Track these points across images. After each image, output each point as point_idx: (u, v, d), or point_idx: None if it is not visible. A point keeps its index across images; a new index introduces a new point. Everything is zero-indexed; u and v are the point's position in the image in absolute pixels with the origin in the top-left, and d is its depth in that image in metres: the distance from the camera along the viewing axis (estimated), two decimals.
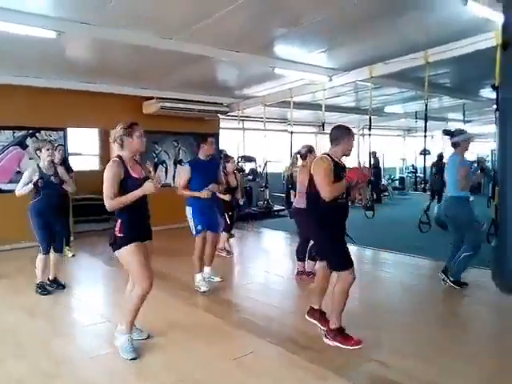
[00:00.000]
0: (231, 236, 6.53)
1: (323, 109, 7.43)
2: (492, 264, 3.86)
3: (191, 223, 4.57)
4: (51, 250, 4.53)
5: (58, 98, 6.97)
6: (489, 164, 11.67)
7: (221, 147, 8.87)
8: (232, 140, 10.87)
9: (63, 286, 4.68)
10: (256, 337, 3.37)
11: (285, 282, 5.08)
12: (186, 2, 3.91)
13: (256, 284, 4.97)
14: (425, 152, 6.24)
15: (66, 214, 5.59)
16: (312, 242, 4.48)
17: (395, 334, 3.41)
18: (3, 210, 6.66)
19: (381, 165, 13.30)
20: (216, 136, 9.23)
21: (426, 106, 5.58)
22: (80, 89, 6.97)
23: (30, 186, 4.37)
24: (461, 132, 4.32)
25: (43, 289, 4.49)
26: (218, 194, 4.70)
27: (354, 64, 6.13)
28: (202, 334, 3.44)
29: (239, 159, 8.62)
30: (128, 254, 2.95)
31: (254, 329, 3.54)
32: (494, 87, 3.96)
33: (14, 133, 6.89)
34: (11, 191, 6.77)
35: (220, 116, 9.32)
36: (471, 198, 4.34)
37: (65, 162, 6.04)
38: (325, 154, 3.15)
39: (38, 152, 4.55)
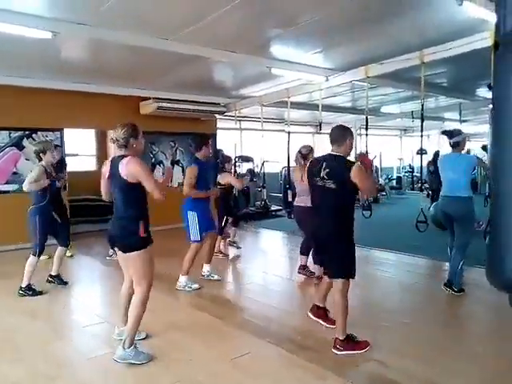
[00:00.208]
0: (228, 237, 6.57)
1: (320, 109, 7.44)
2: (486, 262, 3.87)
3: (194, 230, 4.52)
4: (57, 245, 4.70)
5: (54, 99, 6.96)
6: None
7: (218, 147, 8.87)
8: (229, 140, 10.86)
9: (65, 283, 4.75)
10: (255, 337, 3.37)
11: (283, 283, 5.08)
12: (183, 3, 3.90)
13: (255, 284, 4.98)
14: (421, 151, 6.26)
15: (66, 212, 5.58)
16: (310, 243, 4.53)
17: (394, 334, 3.42)
18: (0, 211, 6.65)
19: (378, 164, 13.33)
20: (213, 136, 9.25)
21: (423, 105, 5.60)
22: (76, 89, 6.95)
23: (42, 182, 4.35)
24: (459, 132, 4.37)
25: (33, 291, 4.46)
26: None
27: (350, 64, 6.15)
28: (201, 335, 3.44)
29: (236, 159, 8.63)
30: (146, 254, 2.95)
31: (252, 329, 3.54)
32: (490, 87, 3.99)
33: (10, 133, 6.87)
34: (8, 192, 6.81)
35: (217, 116, 9.32)
36: None
37: (62, 162, 6.01)
38: (338, 155, 3.09)
39: (41, 154, 4.50)
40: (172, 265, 5.49)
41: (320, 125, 7.78)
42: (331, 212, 3.07)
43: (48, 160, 4.52)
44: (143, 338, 3.28)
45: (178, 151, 9.03)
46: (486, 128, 13.39)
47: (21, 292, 4.45)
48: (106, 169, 3.00)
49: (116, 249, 3.06)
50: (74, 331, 3.73)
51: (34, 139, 6.96)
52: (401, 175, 15.95)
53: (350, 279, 3.12)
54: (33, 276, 4.52)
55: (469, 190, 4.25)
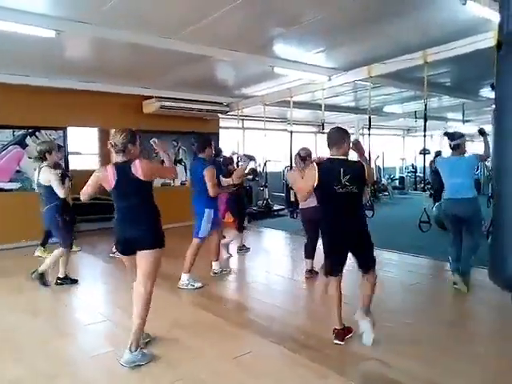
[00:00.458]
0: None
1: (323, 108, 7.44)
2: (489, 261, 3.88)
3: (206, 226, 4.60)
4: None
5: (57, 98, 6.97)
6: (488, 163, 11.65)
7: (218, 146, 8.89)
8: (232, 139, 10.87)
9: (76, 281, 4.82)
10: (257, 336, 3.38)
11: (286, 282, 5.09)
12: (185, 2, 3.91)
13: (258, 284, 4.98)
14: (424, 151, 6.24)
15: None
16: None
17: (396, 334, 3.42)
18: (3, 208, 6.68)
19: (380, 164, 13.31)
20: (216, 135, 9.26)
21: (426, 105, 5.59)
22: (80, 88, 6.96)
23: (65, 184, 4.55)
24: (461, 135, 4.38)
25: (70, 279, 4.77)
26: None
27: (353, 64, 6.14)
28: (203, 334, 3.45)
29: (239, 158, 8.65)
30: (159, 254, 3.03)
31: (255, 328, 3.55)
32: (493, 87, 3.99)
33: (13, 132, 6.89)
34: (11, 190, 6.84)
35: (220, 115, 9.33)
36: None
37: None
38: (348, 159, 3.15)
39: (47, 154, 4.52)
40: (175, 264, 5.51)
41: (322, 124, 7.79)
42: (357, 213, 3.19)
43: (52, 160, 4.55)
44: (148, 341, 3.24)
45: (180, 150, 9.04)
46: (489, 128, 13.35)
47: (58, 282, 4.71)
48: (107, 175, 2.95)
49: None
50: (77, 329, 3.74)
51: (37, 137, 6.98)
52: (403, 175, 15.91)
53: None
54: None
55: (473, 190, 4.26)
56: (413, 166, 15.83)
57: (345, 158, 3.13)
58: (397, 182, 15.54)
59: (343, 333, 3.21)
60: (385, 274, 5.24)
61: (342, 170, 3.03)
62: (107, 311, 4.09)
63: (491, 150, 3.84)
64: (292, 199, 5.14)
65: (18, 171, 6.92)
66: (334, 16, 4.28)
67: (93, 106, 7.37)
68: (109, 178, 2.94)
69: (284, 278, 5.21)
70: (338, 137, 3.13)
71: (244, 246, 6.44)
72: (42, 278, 4.64)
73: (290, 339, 3.30)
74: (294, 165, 5.12)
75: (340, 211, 3.14)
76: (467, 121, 11.82)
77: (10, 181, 6.88)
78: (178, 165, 8.98)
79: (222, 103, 8.90)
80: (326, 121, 7.80)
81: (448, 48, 4.87)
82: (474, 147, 15.02)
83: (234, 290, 4.87)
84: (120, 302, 4.07)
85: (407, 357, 2.99)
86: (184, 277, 4.62)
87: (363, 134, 11.63)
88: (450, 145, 4.36)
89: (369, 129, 6.56)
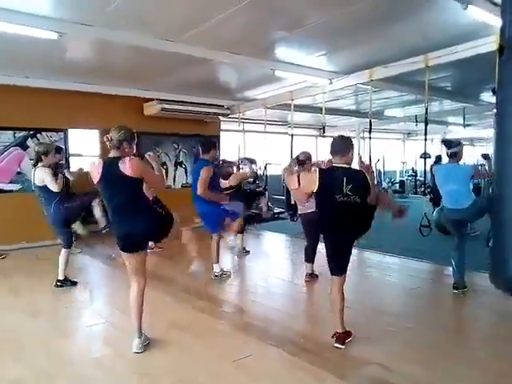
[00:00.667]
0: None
1: (323, 112, 7.44)
2: (489, 265, 3.89)
3: (218, 220, 4.95)
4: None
5: (58, 99, 6.99)
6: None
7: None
8: (232, 142, 10.88)
9: (75, 283, 4.83)
10: (256, 339, 3.37)
11: (286, 285, 5.07)
12: (188, 5, 3.92)
13: (257, 286, 4.97)
14: (425, 155, 6.23)
15: None
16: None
17: (396, 338, 3.40)
18: (4, 210, 6.68)
19: (381, 168, 13.30)
20: (217, 138, 9.27)
21: (427, 109, 5.59)
22: (81, 90, 6.98)
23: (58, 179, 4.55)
24: (458, 143, 4.40)
25: (70, 281, 4.78)
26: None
27: (354, 67, 6.15)
28: (203, 336, 3.44)
29: (240, 161, 8.67)
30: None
31: (254, 331, 3.54)
32: (494, 91, 4.00)
33: (14, 133, 6.90)
34: (11, 191, 6.84)
35: (221, 118, 9.34)
36: None
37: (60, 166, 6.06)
38: (352, 168, 3.14)
39: (43, 156, 4.52)
40: (172, 266, 5.51)
41: (323, 128, 7.79)
42: (356, 223, 3.14)
43: (49, 162, 4.56)
44: (147, 343, 3.24)
45: (181, 153, 9.05)
46: (489, 133, 13.34)
47: (58, 284, 4.70)
48: (93, 169, 2.98)
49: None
50: (77, 331, 3.74)
51: (38, 139, 6.99)
52: (404, 179, 15.90)
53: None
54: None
55: (471, 196, 4.27)
56: (413, 169, 15.82)
57: (348, 166, 3.11)
58: (397, 185, 15.53)
59: (344, 336, 3.20)
60: (386, 278, 5.25)
61: (344, 178, 3.00)
62: (107, 313, 4.08)
63: (493, 154, 3.85)
64: (292, 202, 5.12)
65: (18, 173, 6.93)
66: (336, 19, 4.29)
67: (93, 107, 7.38)
68: (95, 173, 2.97)
69: (284, 281, 5.20)
70: (342, 145, 3.12)
71: (244, 248, 6.43)
72: (66, 281, 4.75)
73: (289, 342, 3.29)
74: (288, 166, 5.11)
75: (336, 219, 3.14)
76: (468, 125, 11.81)
77: (11, 182, 6.88)
78: (179, 167, 8.99)
79: (223, 106, 8.91)
80: (326, 124, 7.80)
81: (449, 52, 4.87)
82: (475, 152, 15.06)
83: (234, 293, 4.86)
84: (119, 304, 4.06)
85: (408, 361, 2.98)
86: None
87: (364, 138, 11.65)
88: (447, 153, 4.40)
89: (369, 132, 6.55)
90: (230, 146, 10.31)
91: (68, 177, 5.58)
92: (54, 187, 4.44)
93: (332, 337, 3.20)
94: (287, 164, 5.04)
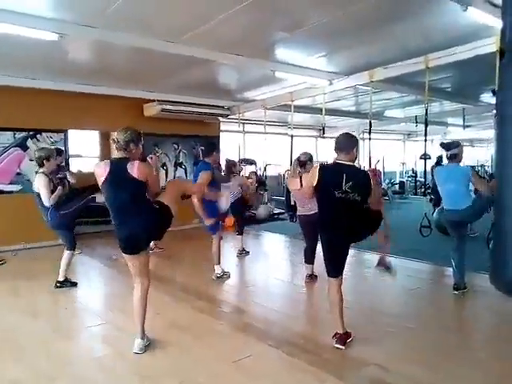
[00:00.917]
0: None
1: (323, 112, 7.45)
2: (490, 266, 3.89)
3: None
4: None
5: (59, 100, 6.99)
6: (488, 169, 11.66)
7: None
8: (232, 143, 10.89)
9: (75, 284, 4.82)
10: (256, 340, 3.37)
11: (285, 286, 5.07)
12: (188, 6, 3.93)
13: (256, 287, 4.97)
14: (425, 156, 6.23)
15: None
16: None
17: (396, 338, 3.40)
18: (4, 211, 6.67)
19: (380, 169, 13.29)
20: (216, 139, 9.28)
21: (427, 110, 5.59)
22: (81, 91, 6.99)
23: (58, 192, 4.52)
24: (457, 145, 4.40)
25: (70, 282, 4.78)
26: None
27: (354, 68, 6.16)
28: (203, 337, 3.44)
29: (240, 162, 8.68)
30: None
31: (254, 332, 3.54)
32: (494, 92, 4.01)
33: (14, 134, 6.90)
34: (11, 192, 6.84)
35: (221, 119, 9.35)
36: None
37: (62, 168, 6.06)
38: (354, 165, 3.13)
39: (45, 161, 4.51)
40: (172, 266, 5.51)
41: (323, 129, 7.79)
42: (356, 221, 3.08)
43: (50, 167, 4.56)
44: (148, 344, 3.23)
45: (181, 153, 9.05)
46: (489, 133, 13.36)
47: (58, 285, 4.70)
48: (100, 169, 2.97)
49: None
50: (77, 331, 3.73)
51: (38, 140, 7.00)
52: (404, 180, 15.91)
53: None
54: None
55: (469, 198, 4.28)
56: (413, 170, 15.84)
57: (350, 164, 3.08)
58: (397, 186, 15.53)
59: (345, 337, 3.20)
60: (385, 278, 5.24)
61: (345, 175, 2.98)
62: (107, 314, 4.08)
63: (494, 156, 3.86)
64: (292, 203, 5.12)
65: (18, 173, 6.93)
66: (336, 20, 4.29)
67: (94, 108, 7.38)
68: (101, 173, 2.95)
69: (283, 282, 5.20)
70: (347, 143, 3.10)
71: (244, 249, 6.44)
72: (66, 282, 4.75)
73: (288, 343, 3.29)
74: (290, 169, 5.12)
75: (334, 215, 3.13)
76: (468, 126, 11.82)
77: (11, 183, 6.88)
78: (179, 168, 9.00)
79: (223, 107, 8.92)
80: (326, 125, 7.80)
81: (449, 53, 4.88)
82: (474, 153, 15.06)
83: (233, 294, 4.86)
84: (119, 305, 4.07)
85: (408, 362, 2.98)
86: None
87: (363, 139, 11.66)
88: (447, 155, 4.41)
89: (369, 133, 6.56)
90: (230, 147, 10.32)
91: (70, 180, 5.67)
92: (45, 201, 4.42)
93: (332, 337, 3.20)
94: (290, 167, 5.05)
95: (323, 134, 7.91)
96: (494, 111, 4.05)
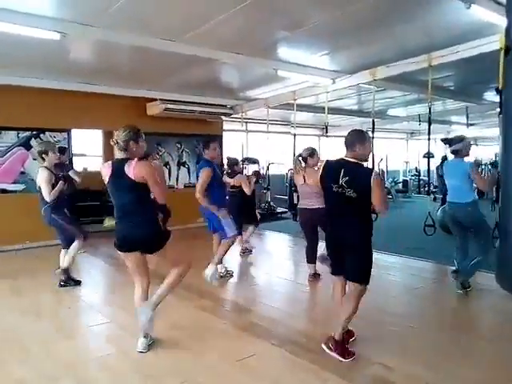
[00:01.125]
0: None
1: (326, 111, 7.43)
2: (496, 265, 3.87)
3: (228, 224, 4.72)
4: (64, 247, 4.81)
5: (62, 100, 7.02)
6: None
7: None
8: (235, 142, 10.89)
9: (79, 282, 4.83)
10: (259, 339, 3.37)
11: (288, 285, 5.07)
12: (190, 5, 3.93)
13: (259, 286, 4.98)
14: (429, 155, 6.20)
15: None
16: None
17: (399, 338, 3.39)
18: (7, 210, 6.70)
19: (383, 167, 13.28)
20: (219, 138, 9.28)
21: (430, 108, 5.57)
22: (84, 90, 7.01)
23: (59, 186, 4.52)
24: (460, 140, 4.36)
25: (73, 281, 4.78)
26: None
27: (357, 67, 6.14)
28: (205, 336, 3.44)
29: (242, 161, 8.68)
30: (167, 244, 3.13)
31: (256, 331, 3.54)
32: (498, 90, 3.98)
33: (18, 134, 6.93)
34: (15, 192, 6.87)
35: (223, 118, 9.35)
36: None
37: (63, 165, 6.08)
38: (355, 161, 3.03)
39: (44, 155, 4.55)
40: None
41: (326, 127, 7.77)
42: (352, 219, 3.00)
43: (51, 161, 4.59)
44: (151, 343, 3.21)
45: (184, 153, 9.06)
46: (493, 132, 13.28)
47: (62, 283, 4.70)
48: (105, 170, 3.01)
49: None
50: (80, 331, 3.74)
51: (41, 139, 7.02)
52: (407, 178, 15.87)
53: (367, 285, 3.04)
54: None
55: (471, 194, 4.27)
56: (416, 169, 15.79)
57: (352, 160, 3.00)
58: (400, 185, 15.50)
59: (347, 336, 3.19)
60: (388, 277, 5.23)
61: (342, 170, 2.95)
62: (110, 313, 4.09)
63: (499, 154, 3.84)
64: (295, 202, 5.12)
65: (22, 173, 6.96)
66: (339, 19, 4.28)
67: (97, 108, 7.40)
68: (105, 174, 2.99)
69: (286, 281, 5.20)
70: (351, 140, 3.03)
71: (246, 248, 6.43)
72: (70, 280, 4.74)
73: (291, 342, 3.29)
74: (293, 167, 5.11)
75: (333, 211, 3.13)
76: (471, 124, 11.76)
77: (14, 182, 6.91)
78: (182, 167, 9.01)
79: (225, 106, 8.92)
80: (329, 124, 7.78)
81: (452, 51, 4.85)
82: (478, 152, 14.96)
83: (236, 293, 4.86)
84: (123, 304, 4.07)
85: (410, 361, 2.97)
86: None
87: None
88: (450, 150, 4.41)
89: (372, 132, 6.53)
90: (233, 146, 10.32)
91: (74, 178, 5.69)
92: (46, 196, 4.44)
93: (325, 343, 3.10)
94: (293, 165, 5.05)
95: (326, 132, 7.90)
96: (498, 109, 4.04)
